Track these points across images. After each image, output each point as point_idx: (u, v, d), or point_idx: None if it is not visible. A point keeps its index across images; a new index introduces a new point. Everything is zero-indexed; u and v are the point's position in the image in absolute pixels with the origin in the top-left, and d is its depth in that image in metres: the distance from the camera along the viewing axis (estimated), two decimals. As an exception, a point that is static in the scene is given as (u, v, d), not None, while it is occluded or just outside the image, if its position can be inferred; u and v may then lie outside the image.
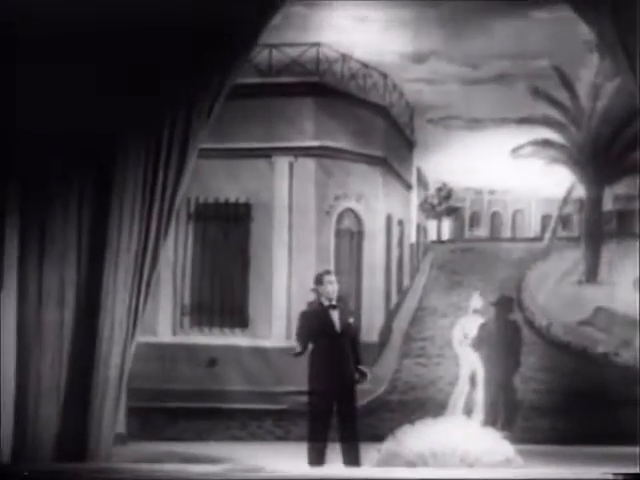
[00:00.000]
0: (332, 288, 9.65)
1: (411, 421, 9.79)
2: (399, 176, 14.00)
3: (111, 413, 9.86)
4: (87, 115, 9.76)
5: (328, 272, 9.91)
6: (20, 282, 9.91)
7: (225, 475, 9.00)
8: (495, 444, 9.53)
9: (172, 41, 9.81)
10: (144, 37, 9.81)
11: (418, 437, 9.46)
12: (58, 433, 9.78)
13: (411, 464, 9.24)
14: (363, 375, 9.76)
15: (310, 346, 9.76)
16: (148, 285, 10.00)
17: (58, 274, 9.95)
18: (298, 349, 9.75)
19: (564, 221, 13.80)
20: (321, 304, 9.67)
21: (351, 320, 9.82)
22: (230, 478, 9.06)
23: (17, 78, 9.76)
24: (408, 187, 14.09)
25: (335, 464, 9.57)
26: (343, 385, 9.67)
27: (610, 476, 8.34)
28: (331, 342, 9.66)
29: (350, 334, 9.79)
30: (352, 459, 9.53)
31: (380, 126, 13.73)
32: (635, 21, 9.67)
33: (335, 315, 9.61)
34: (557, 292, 13.54)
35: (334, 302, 9.67)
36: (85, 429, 9.75)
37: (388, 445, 9.53)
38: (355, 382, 9.71)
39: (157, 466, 9.67)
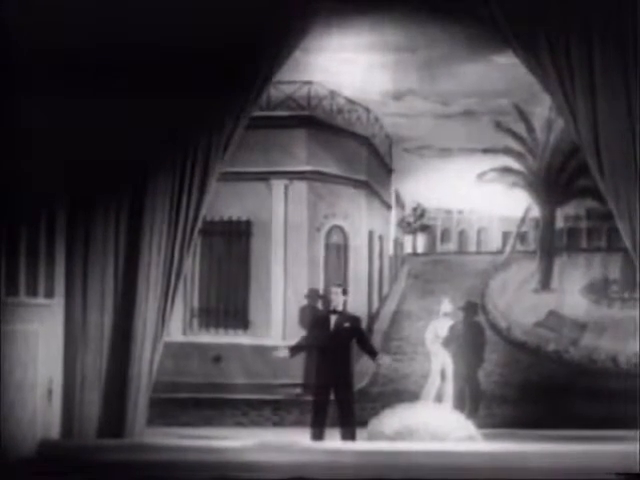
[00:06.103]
0: (336, 297, 10.92)
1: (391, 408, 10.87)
2: (380, 197, 14.37)
3: (144, 398, 10.71)
4: (122, 151, 10.58)
5: (335, 285, 11.22)
6: (67, 291, 10.70)
7: (257, 449, 9.80)
8: (460, 423, 10.67)
9: (195, 83, 10.56)
10: (171, 79, 10.51)
11: (398, 418, 10.59)
12: (100, 414, 10.60)
13: (392, 439, 10.35)
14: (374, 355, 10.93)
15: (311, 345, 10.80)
16: (174, 293, 10.81)
17: (99, 284, 10.73)
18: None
19: (522, 237, 14.16)
20: (325, 310, 10.82)
21: (347, 325, 10.88)
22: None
23: (61, 113, 10.40)
24: (388, 207, 14.41)
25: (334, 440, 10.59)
26: (339, 378, 10.70)
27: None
28: (326, 342, 10.77)
29: (344, 336, 10.81)
30: (349, 436, 10.60)
31: (363, 154, 14.15)
32: (573, 68, 10.49)
33: (332, 319, 10.78)
34: (516, 298, 13.97)
35: (339, 308, 10.82)
36: (123, 411, 10.56)
37: (373, 425, 10.57)
38: (351, 375, 10.82)
39: (185, 441, 10.58)
